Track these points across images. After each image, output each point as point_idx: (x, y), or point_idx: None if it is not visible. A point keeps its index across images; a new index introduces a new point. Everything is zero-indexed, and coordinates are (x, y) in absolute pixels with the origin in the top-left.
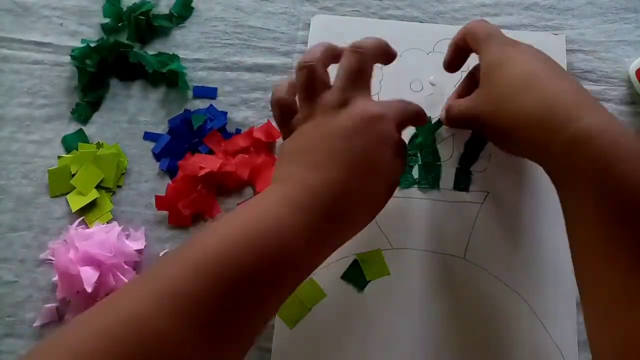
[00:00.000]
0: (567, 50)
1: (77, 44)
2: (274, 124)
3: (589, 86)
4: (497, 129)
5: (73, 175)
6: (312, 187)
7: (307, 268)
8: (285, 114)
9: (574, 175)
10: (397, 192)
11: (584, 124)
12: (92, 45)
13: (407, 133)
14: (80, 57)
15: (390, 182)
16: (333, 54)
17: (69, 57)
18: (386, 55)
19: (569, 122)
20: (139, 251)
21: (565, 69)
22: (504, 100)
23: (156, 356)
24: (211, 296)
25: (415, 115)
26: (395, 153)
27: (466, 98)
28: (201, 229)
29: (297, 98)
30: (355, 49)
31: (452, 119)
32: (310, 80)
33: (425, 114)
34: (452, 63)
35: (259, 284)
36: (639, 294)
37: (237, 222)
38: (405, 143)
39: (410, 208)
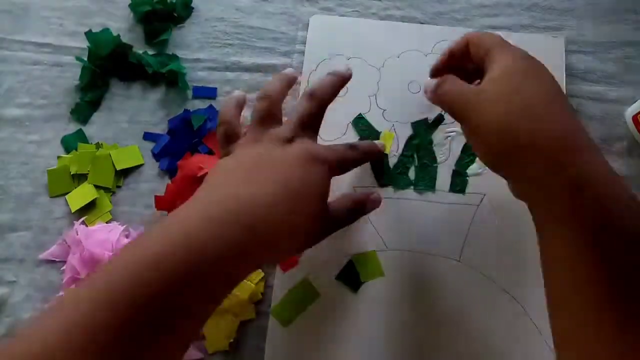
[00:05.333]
0: (567, 51)
1: (77, 44)
2: None
3: (588, 87)
4: (502, 145)
5: (72, 175)
6: (239, 200)
7: (224, 286)
8: (229, 135)
9: (569, 216)
10: (393, 193)
11: (591, 168)
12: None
13: (405, 134)
14: (95, 43)
15: (313, 221)
16: (290, 85)
17: (69, 58)
18: (341, 86)
19: (581, 161)
20: None
21: (564, 70)
22: (521, 117)
23: None
24: (120, 324)
25: (354, 162)
26: (323, 197)
27: (478, 86)
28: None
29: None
30: (312, 93)
31: (445, 97)
32: (268, 112)
33: (372, 152)
34: (443, 70)
35: (171, 306)
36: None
37: (151, 243)
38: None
39: (406, 209)
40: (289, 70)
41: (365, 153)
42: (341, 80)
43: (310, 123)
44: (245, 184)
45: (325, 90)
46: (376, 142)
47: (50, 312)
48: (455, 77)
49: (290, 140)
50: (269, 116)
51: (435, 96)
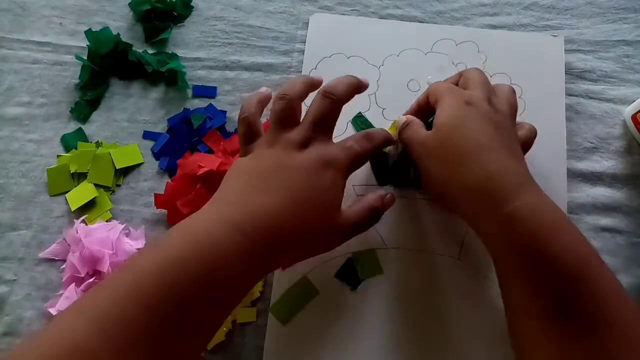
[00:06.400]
0: (566, 50)
1: (77, 43)
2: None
3: (587, 86)
4: (441, 187)
5: (72, 174)
6: (255, 210)
7: (243, 289)
8: (250, 133)
9: (508, 250)
10: (393, 192)
11: (518, 205)
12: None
13: None
14: (95, 42)
15: (322, 229)
16: (312, 88)
17: (69, 57)
18: (357, 91)
19: (506, 201)
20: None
21: (564, 69)
22: (452, 163)
23: None
24: (145, 319)
25: (368, 156)
26: (333, 204)
27: (427, 133)
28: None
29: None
30: (327, 94)
31: (405, 141)
32: (285, 113)
33: (386, 142)
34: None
35: (195, 306)
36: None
37: (174, 244)
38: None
39: (405, 208)
40: (314, 75)
41: (379, 145)
42: (358, 84)
43: (325, 124)
44: (258, 192)
45: (342, 89)
46: (386, 129)
47: (76, 307)
48: (416, 121)
49: (305, 144)
50: (285, 118)
51: (400, 138)
